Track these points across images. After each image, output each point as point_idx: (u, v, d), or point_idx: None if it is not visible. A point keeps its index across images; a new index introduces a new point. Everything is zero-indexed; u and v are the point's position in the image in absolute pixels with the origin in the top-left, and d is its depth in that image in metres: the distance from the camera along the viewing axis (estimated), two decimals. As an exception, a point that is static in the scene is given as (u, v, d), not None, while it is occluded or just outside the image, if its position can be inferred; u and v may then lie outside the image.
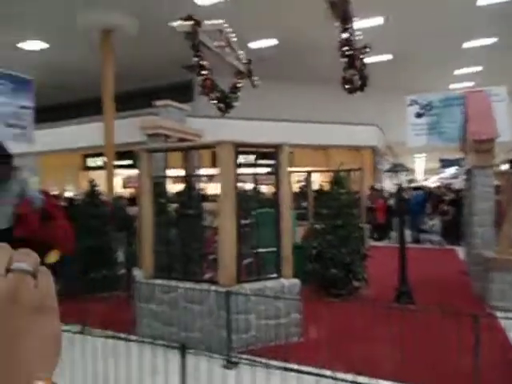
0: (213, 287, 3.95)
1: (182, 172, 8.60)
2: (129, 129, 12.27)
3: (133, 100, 17.04)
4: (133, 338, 2.67)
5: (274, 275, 4.25)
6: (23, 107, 10.71)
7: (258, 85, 9.21)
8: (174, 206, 6.36)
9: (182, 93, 16.50)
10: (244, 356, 3.55)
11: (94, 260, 5.77)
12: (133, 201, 9.71)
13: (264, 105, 14.46)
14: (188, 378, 2.56)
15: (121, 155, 12.75)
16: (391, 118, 16.21)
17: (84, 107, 18.13)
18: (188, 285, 4.11)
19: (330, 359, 3.10)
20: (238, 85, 8.47)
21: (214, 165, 13.28)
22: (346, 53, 5.83)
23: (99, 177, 13.96)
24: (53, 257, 2.55)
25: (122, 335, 3.17)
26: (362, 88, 6.18)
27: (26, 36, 12.36)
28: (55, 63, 14.09)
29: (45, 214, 2.51)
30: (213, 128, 11.54)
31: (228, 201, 4.06)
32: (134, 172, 14.68)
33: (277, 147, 4.31)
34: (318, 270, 5.53)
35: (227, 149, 4.04)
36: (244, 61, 8.62)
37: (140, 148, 4.60)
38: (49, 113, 16.84)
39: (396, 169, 5.46)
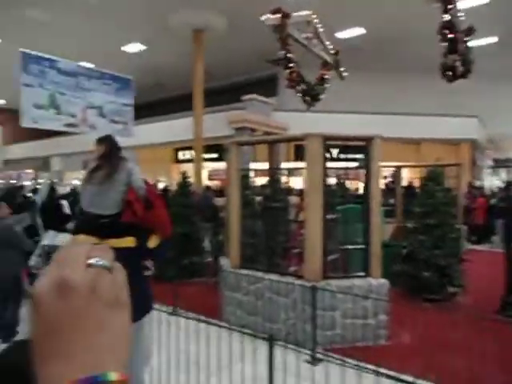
0: (298, 281, 3.93)
1: (266, 165, 8.73)
2: (216, 123, 12.77)
3: (220, 95, 17.69)
4: (223, 324, 2.75)
5: (362, 273, 4.08)
6: (125, 105, 11.78)
7: (346, 76, 8.91)
8: (260, 198, 6.47)
9: (267, 87, 16.69)
10: (330, 354, 3.47)
11: (184, 247, 6.12)
12: (219, 192, 10.11)
13: (351, 97, 13.95)
14: (275, 370, 2.58)
15: (208, 149, 13.34)
16: (496, 108, 14.53)
17: (175, 103, 19.33)
18: (273, 277, 4.14)
19: (421, 369, 2.87)
20: (325, 76, 8.27)
21: (297, 159, 13.27)
22: (448, 36, 5.31)
23: (188, 169, 14.84)
24: (154, 241, 2.72)
25: (213, 320, 3.30)
26: (465, 75, 5.59)
27: (129, 39, 13.49)
28: (151, 63, 15.18)
29: (147, 202, 2.68)
30: (297, 121, 11.49)
31: (315, 195, 3.99)
32: (219, 165, 15.30)
33: (368, 140, 4.10)
34: (409, 272, 5.18)
35: (316, 142, 3.95)
36: (332, 52, 8.39)
37: (230, 141, 4.73)
38: (144, 109, 18.29)
39: (506, 164, 4.85)
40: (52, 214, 5.46)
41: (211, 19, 12.11)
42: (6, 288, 3.80)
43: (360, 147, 8.46)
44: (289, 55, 7.08)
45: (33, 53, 9.43)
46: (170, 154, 16.11)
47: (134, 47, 14.06)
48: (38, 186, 8.63)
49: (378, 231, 4.08)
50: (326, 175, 4.06)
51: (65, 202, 6.20)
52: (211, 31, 12.47)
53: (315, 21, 7.78)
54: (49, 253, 4.01)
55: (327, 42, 8.24)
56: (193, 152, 13.62)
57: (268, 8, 7.12)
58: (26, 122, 9.41)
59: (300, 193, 9.13)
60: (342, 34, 13.13)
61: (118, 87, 11.53)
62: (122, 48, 14.10)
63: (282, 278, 4.08)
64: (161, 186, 13.26)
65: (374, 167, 4.04)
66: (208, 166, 15.34)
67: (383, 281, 4.03)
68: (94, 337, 0.37)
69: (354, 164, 13.39)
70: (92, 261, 0.38)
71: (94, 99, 10.82)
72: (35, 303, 0.37)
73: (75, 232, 2.69)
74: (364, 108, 13.78)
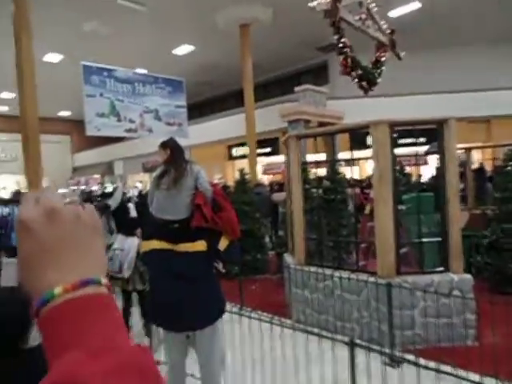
0: (371, 278, 3.72)
1: (322, 156, 8.46)
2: (268, 117, 12.68)
3: (270, 88, 17.58)
4: (300, 326, 2.66)
5: (441, 268, 3.77)
6: (178, 106, 12.06)
7: (403, 56, 8.36)
8: (320, 191, 6.28)
9: (318, 75, 16.29)
10: (410, 356, 3.24)
11: (247, 244, 6.12)
12: (278, 186, 10.00)
13: (407, 78, 13.16)
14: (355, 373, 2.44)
15: (261, 143, 13.30)
16: None
17: (226, 101, 19.54)
18: (343, 273, 3.96)
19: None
20: (382, 59, 7.81)
21: (353, 147, 12.80)
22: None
23: (243, 165, 14.94)
24: (224, 243, 2.69)
25: (287, 321, 3.23)
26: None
27: (179, 42, 13.79)
28: (200, 62, 15.41)
29: (216, 204, 2.65)
30: (353, 108, 11.03)
31: (384, 185, 3.74)
32: (273, 159, 15.22)
33: (440, 122, 3.76)
34: (493, 264, 4.73)
35: (382, 129, 3.70)
36: (387, 31, 7.90)
37: (289, 135, 4.61)
38: (195, 109, 18.69)
39: None
40: (122, 217, 5.71)
41: (257, 12, 11.99)
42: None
43: (423, 131, 7.90)
44: (342, 40, 6.75)
45: (93, 65, 9.93)
46: (224, 151, 16.31)
47: (183, 49, 14.35)
48: (106, 191, 9.13)
49: (457, 222, 3.75)
50: (394, 165, 3.80)
51: (131, 205, 6.44)
52: (258, 24, 12.36)
53: (368, 1, 7.36)
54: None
55: (382, 22, 7.77)
56: (246, 148, 13.69)
57: None
58: (90, 131, 9.97)
59: (360, 183, 8.79)
60: (395, 12, 12.37)
61: (170, 90, 11.85)
62: (173, 51, 14.44)
63: (352, 274, 3.89)
64: (217, 182, 13.47)
65: (449, 152, 3.70)
66: (262, 161, 15.33)
67: (466, 276, 3.70)
68: (83, 253, 0.45)
69: (415, 149, 12.65)
70: (69, 200, 0.48)
71: (150, 103, 11.20)
72: (26, 227, 0.43)
73: (147, 237, 2.73)
74: (422, 89, 12.94)
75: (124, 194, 6.57)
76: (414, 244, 4.26)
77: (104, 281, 0.44)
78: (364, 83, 7.40)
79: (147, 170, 19.76)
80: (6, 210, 5.92)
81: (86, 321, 0.40)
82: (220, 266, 3.43)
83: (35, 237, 0.43)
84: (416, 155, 4.77)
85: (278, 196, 7.70)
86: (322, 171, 7.62)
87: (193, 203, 2.62)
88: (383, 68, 7.77)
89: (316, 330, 3.42)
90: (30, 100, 8.28)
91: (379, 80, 7.60)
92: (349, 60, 7.01)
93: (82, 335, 0.39)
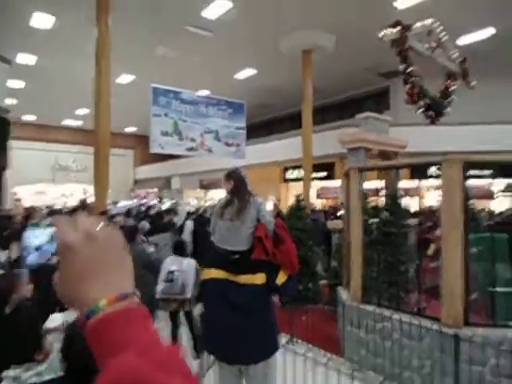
0: (435, 325, 3.46)
1: (379, 184, 8.17)
2: (326, 141, 12.57)
3: (329, 112, 17.49)
4: (358, 375, 2.51)
5: (516, 322, 3.42)
6: (238, 128, 12.37)
7: (475, 86, 7.94)
8: (377, 221, 6.03)
9: (378, 101, 15.97)
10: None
11: (300, 271, 5.99)
12: (330, 214, 9.82)
13: (474, 106, 12.46)
14: None
15: (316, 167, 13.18)
16: None
17: (283, 123, 19.73)
18: (403, 316, 3.73)
19: None
20: (451, 88, 7.48)
21: (413, 176, 12.26)
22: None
23: (297, 188, 14.86)
24: (282, 278, 2.65)
25: (342, 359, 3.06)
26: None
27: (241, 66, 14.25)
28: (260, 85, 15.76)
29: (277, 237, 2.62)
30: (415, 135, 10.62)
31: (455, 227, 3.50)
32: (327, 183, 15.00)
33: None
34: None
35: (455, 167, 3.49)
36: (458, 60, 7.57)
37: (351, 166, 4.50)
38: (252, 130, 19.04)
39: None
40: (179, 234, 5.91)
41: (320, 38, 12.09)
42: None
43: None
44: (410, 69, 6.56)
45: (161, 87, 10.53)
46: (279, 173, 16.37)
47: (245, 73, 14.76)
48: (166, 207, 9.54)
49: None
50: (466, 205, 3.55)
51: (189, 223, 6.62)
52: (320, 50, 12.45)
53: (438, 29, 7.13)
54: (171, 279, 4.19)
55: (453, 51, 7.46)
56: (301, 171, 13.62)
57: (377, 22, 6.70)
58: (154, 148, 10.50)
59: (422, 216, 8.33)
60: (465, 39, 11.87)
61: (231, 112, 12.21)
62: (235, 75, 14.92)
63: (414, 318, 3.64)
64: (270, 207, 13.47)
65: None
66: (316, 185, 15.16)
67: (547, 334, 3.31)
68: (117, 270, 0.52)
69: (481, 181, 11.84)
70: (101, 225, 0.54)
71: (211, 124, 11.60)
72: (70, 249, 0.50)
73: (207, 265, 2.76)
74: (489, 118, 12.18)
75: (188, 214, 6.79)
76: (484, 292, 3.91)
77: (136, 294, 0.51)
78: (431, 113, 7.11)
79: (204, 186, 20.35)
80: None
81: (130, 328, 0.47)
82: (276, 299, 3.39)
83: (78, 257, 0.50)
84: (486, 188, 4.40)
85: (334, 224, 7.52)
86: (381, 200, 7.40)
87: (254, 235, 2.62)
88: (453, 97, 7.42)
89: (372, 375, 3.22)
90: (104, 116, 8.92)
91: (448, 110, 7.27)
92: (416, 89, 6.79)
93: (129, 340, 0.46)
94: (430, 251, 4.84)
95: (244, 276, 2.57)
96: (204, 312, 2.95)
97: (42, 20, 10.61)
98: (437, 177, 11.51)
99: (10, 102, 15.78)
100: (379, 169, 4.81)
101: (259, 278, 2.57)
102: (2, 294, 2.47)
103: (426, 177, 12.60)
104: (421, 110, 7.15)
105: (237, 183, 2.75)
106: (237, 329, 2.51)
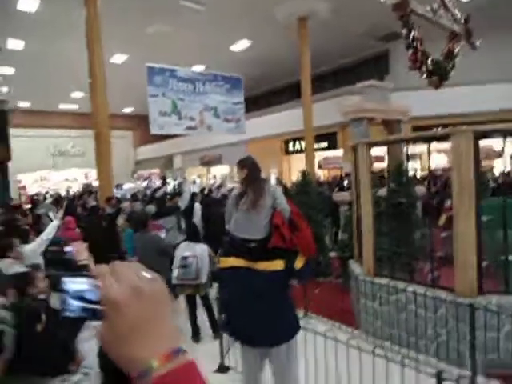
0: (449, 296, 3.52)
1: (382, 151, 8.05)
2: (326, 110, 12.39)
3: (328, 80, 17.15)
4: (381, 352, 2.57)
5: (530, 289, 3.47)
6: (236, 103, 12.17)
7: (478, 46, 7.70)
8: (385, 193, 6.03)
9: (377, 65, 15.61)
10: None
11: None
12: (335, 186, 9.81)
13: (478, 66, 12.16)
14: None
15: (318, 137, 13.05)
16: None
17: (282, 94, 19.38)
18: (417, 288, 3.79)
19: None
20: (455, 50, 7.25)
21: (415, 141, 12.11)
22: None
23: (299, 160, 14.78)
24: (300, 262, 2.68)
25: (356, 331, 3.14)
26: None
27: (236, 38, 13.85)
28: (256, 57, 15.38)
29: (293, 224, 2.63)
30: (417, 99, 10.43)
31: (466, 199, 3.50)
32: (329, 153, 14.90)
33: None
34: None
35: (466, 139, 3.44)
36: (461, 20, 7.30)
37: (359, 142, 4.45)
38: (251, 103, 18.74)
39: None
40: (189, 219, 5.93)
41: (315, 4, 11.68)
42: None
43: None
44: (412, 33, 6.35)
45: (156, 66, 10.27)
46: (280, 145, 16.24)
47: (241, 45, 14.38)
48: (171, 190, 9.55)
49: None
50: (478, 177, 3.53)
51: (197, 206, 6.59)
52: (316, 16, 12.05)
53: (441, -12, 6.83)
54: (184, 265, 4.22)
55: (455, 11, 7.19)
56: (303, 142, 13.51)
57: None
58: (154, 130, 10.38)
59: (427, 182, 8.30)
60: (467, -5, 11.41)
61: (228, 87, 11.97)
62: (231, 47, 14.54)
63: (427, 290, 3.71)
64: (273, 180, 13.46)
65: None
66: (318, 155, 15.07)
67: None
68: (163, 325, 0.51)
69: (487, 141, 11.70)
70: (146, 274, 0.52)
71: (209, 101, 11.41)
72: (117, 308, 0.48)
73: (225, 254, 2.79)
74: (494, 76, 11.90)
75: (194, 194, 6.77)
76: (497, 260, 3.96)
77: (184, 348, 0.50)
78: (435, 78, 6.93)
79: (204, 163, 20.29)
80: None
81: None
82: (295, 282, 3.44)
83: (126, 316, 0.48)
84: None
85: (340, 196, 7.53)
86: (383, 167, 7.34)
87: (271, 223, 2.63)
88: (456, 60, 7.22)
89: (392, 354, 3.31)
90: (100, 99, 8.76)
91: (452, 73, 7.09)
92: (418, 54, 6.60)
93: None
94: (442, 221, 4.86)
95: (262, 263, 2.60)
96: (224, 299, 3.00)
97: (27, 2, 10.24)
98: (442, 139, 11.41)
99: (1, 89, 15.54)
100: (387, 143, 4.75)
101: (277, 265, 2.60)
102: (21, 290, 2.53)
103: (429, 141, 12.42)
104: (424, 76, 6.99)
105: (250, 172, 2.73)
106: (259, 314, 2.57)
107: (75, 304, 0.51)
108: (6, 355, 0.95)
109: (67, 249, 4.18)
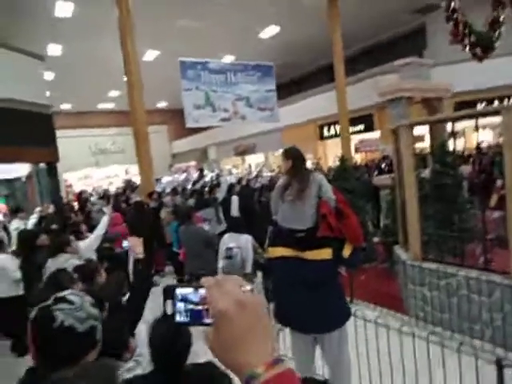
0: (505, 280, 3.39)
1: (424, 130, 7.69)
2: (361, 92, 12.04)
3: (362, 60, 16.62)
4: (436, 339, 2.54)
5: None
6: (268, 91, 12.10)
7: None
8: (428, 174, 5.83)
9: (414, 40, 14.92)
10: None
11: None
12: (374, 169, 9.57)
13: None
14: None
15: (353, 120, 12.74)
16: None
17: (316, 78, 19.01)
18: (469, 272, 3.67)
19: None
20: (500, 18, 6.80)
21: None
22: None
23: (335, 145, 14.53)
24: (348, 250, 2.68)
25: (406, 318, 3.10)
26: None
27: (264, 23, 13.69)
28: (287, 43, 15.15)
29: (339, 212, 2.62)
30: (460, 73, 9.90)
31: (521, 177, 3.32)
32: (365, 136, 14.53)
33: None
34: None
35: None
36: (506, -15, 6.81)
37: (400, 124, 4.32)
38: (285, 89, 18.54)
39: None
40: (227, 210, 6.03)
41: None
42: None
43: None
44: (452, 4, 6.02)
45: (188, 60, 10.39)
46: (314, 131, 16.02)
47: (269, 31, 14.21)
48: (209, 184, 9.72)
49: None
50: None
51: (235, 198, 6.66)
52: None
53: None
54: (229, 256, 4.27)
55: (500, -25, 6.71)
56: (338, 127, 13.23)
57: None
58: (190, 123, 10.55)
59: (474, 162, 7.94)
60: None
61: (260, 75, 11.91)
62: (259, 35, 14.41)
63: (480, 274, 3.58)
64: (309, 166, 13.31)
65: None
66: (353, 138, 14.74)
67: None
68: (264, 335, 0.55)
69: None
70: (247, 288, 0.57)
71: (241, 91, 11.41)
72: (227, 317, 0.54)
73: (272, 244, 2.83)
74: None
75: (232, 186, 6.88)
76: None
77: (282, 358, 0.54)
78: (478, 50, 6.56)
79: (239, 153, 20.41)
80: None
81: None
82: (343, 270, 3.43)
83: (233, 326, 0.54)
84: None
85: (381, 180, 7.36)
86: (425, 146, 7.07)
87: (318, 212, 2.63)
88: (502, 29, 6.78)
89: (447, 341, 3.24)
90: (137, 96, 8.98)
91: (497, 44, 6.67)
92: (460, 26, 6.25)
93: None
94: (493, 201, 4.65)
95: (311, 252, 2.61)
96: (273, 287, 3.05)
97: (63, 8, 10.62)
98: (487, 114, 10.80)
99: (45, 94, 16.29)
100: (431, 123, 4.57)
101: (326, 253, 2.60)
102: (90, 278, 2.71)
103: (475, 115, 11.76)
104: (467, 48, 6.62)
105: (295, 162, 2.74)
106: (310, 302, 2.60)
107: (181, 306, 0.57)
108: (98, 349, 1.05)
109: (124, 243, 4.38)
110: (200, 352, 1.39)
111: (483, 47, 6.59)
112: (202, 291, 0.58)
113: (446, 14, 6.20)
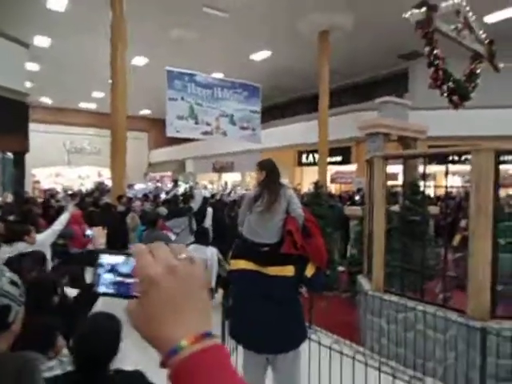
0: (460, 318, 3.42)
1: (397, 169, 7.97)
2: (342, 125, 12.36)
3: (345, 95, 17.15)
4: (387, 370, 2.50)
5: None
6: (253, 111, 12.21)
7: (502, 68, 7.64)
8: (398, 209, 5.95)
9: (396, 83, 15.58)
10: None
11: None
12: (346, 200, 9.73)
13: (500, 88, 12.05)
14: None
15: (332, 151, 13.00)
16: None
17: (299, 106, 19.43)
18: (427, 308, 3.70)
19: None
20: (477, 71, 7.21)
21: (431, 161, 12.00)
22: None
23: (311, 172, 14.73)
24: (311, 270, 2.64)
25: (361, 349, 3.05)
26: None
27: (257, 47, 13.98)
28: (275, 67, 15.49)
29: (306, 230, 2.60)
30: (435, 120, 10.37)
31: (484, 219, 3.42)
32: (342, 168, 14.84)
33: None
34: None
35: (486, 156, 3.38)
36: (485, 41, 7.27)
37: (375, 155, 4.41)
38: (268, 112, 18.81)
39: None
40: (201, 221, 5.93)
41: (338, 19, 11.75)
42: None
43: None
44: (435, 52, 6.33)
45: (175, 70, 10.39)
46: (294, 156, 16.24)
47: (261, 55, 14.51)
48: (181, 192, 9.61)
49: None
50: (497, 196, 3.46)
51: (210, 210, 6.60)
52: (337, 31, 12.11)
53: (466, 9, 6.82)
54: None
55: (480, 32, 7.16)
56: (316, 155, 13.46)
57: (396, 1, 6.40)
58: (170, 132, 10.45)
59: (443, 202, 8.20)
60: (491, 18, 11.38)
61: (246, 95, 12.03)
62: (251, 57, 14.68)
63: (438, 310, 3.61)
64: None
65: None
66: (330, 169, 15.01)
67: None
68: (196, 306, 0.49)
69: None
70: (183, 255, 0.50)
71: (226, 108, 11.47)
72: (154, 283, 0.47)
73: (235, 256, 2.76)
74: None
75: (205, 199, 6.82)
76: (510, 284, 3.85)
77: (214, 333, 0.49)
78: (455, 97, 6.88)
79: (217, 169, 20.37)
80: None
81: (215, 368, 0.46)
82: (304, 290, 3.38)
83: (160, 293, 0.48)
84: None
85: (352, 210, 7.45)
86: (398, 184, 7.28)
87: (284, 228, 2.59)
88: (478, 81, 7.17)
89: (393, 365, 3.22)
90: (120, 100, 8.87)
91: (473, 94, 7.03)
92: (440, 73, 6.56)
93: (214, 381, 0.45)
94: (456, 241, 4.77)
95: (273, 268, 2.56)
96: (232, 302, 2.96)
97: (57, 2, 10.50)
98: (458, 162, 11.27)
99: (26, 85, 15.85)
100: (405, 157, 4.70)
101: (288, 270, 2.56)
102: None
103: (445, 162, 12.29)
104: (445, 95, 6.94)
105: (268, 174, 2.71)
106: (268, 319, 2.52)
107: (107, 278, 0.51)
108: (12, 332, 0.93)
109: (88, 232, 4.22)
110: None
111: (460, 95, 6.93)
112: (134, 261, 0.51)
113: (428, 59, 6.51)
